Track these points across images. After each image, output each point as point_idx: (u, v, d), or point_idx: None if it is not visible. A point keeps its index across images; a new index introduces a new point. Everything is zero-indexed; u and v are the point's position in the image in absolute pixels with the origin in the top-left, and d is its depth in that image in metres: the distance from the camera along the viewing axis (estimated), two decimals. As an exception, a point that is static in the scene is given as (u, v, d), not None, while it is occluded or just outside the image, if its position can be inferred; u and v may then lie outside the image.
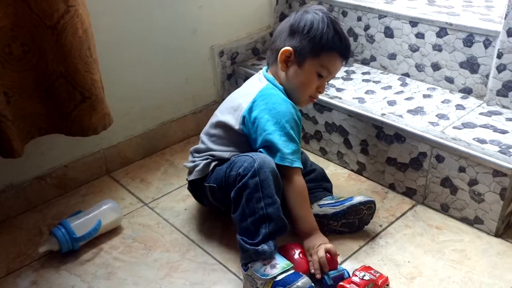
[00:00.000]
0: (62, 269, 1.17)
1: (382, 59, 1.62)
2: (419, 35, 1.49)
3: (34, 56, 1.13)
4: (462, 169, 1.22)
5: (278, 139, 1.12)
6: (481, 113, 1.35)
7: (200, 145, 1.26)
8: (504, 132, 1.26)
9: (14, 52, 1.10)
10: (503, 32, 1.30)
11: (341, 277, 1.08)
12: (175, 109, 1.63)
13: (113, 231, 1.27)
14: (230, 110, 1.22)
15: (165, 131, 1.62)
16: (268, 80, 1.21)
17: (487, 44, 1.36)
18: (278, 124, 1.13)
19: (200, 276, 1.14)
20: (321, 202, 1.24)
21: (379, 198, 1.34)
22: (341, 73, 1.63)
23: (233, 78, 1.75)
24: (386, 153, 1.37)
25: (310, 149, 1.59)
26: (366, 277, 1.03)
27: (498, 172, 1.16)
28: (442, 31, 1.44)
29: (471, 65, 1.41)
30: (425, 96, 1.46)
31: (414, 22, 1.50)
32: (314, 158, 1.55)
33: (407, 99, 1.45)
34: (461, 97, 1.44)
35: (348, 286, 1.02)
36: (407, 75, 1.58)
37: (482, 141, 1.23)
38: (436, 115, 1.35)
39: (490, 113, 1.35)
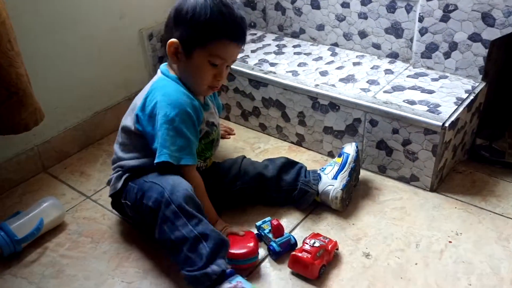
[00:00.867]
0: (6, 273, 1.12)
1: (311, 31, 1.65)
2: (345, 5, 1.53)
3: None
4: (395, 131, 1.28)
5: (166, 134, 1.05)
6: (408, 76, 1.41)
7: (113, 155, 1.20)
8: (431, 92, 1.33)
9: None
10: (422, -4, 1.36)
11: (288, 242, 1.12)
12: (108, 97, 1.59)
13: (57, 228, 1.23)
14: (130, 112, 1.15)
15: (99, 121, 1.58)
16: (162, 72, 1.15)
17: (408, 9, 1.41)
18: (166, 117, 1.05)
19: (152, 262, 1.13)
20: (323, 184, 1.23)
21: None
22: (272, 47, 1.65)
23: (165, 61, 1.72)
24: (323, 122, 1.41)
25: (250, 126, 1.60)
26: (317, 244, 1.07)
27: (428, 131, 1.22)
28: (366, -1, 1.49)
29: (395, 30, 1.46)
30: (355, 64, 1.51)
31: (338, -8, 1.53)
32: (255, 134, 1.57)
33: (338, 68, 1.49)
34: (388, 62, 1.50)
35: (300, 254, 1.05)
36: (336, 44, 1.62)
37: (412, 102, 1.29)
38: (367, 81, 1.40)
39: (417, 75, 1.41)
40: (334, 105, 1.36)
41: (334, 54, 1.58)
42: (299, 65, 1.52)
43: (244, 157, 1.30)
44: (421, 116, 1.23)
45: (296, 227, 1.21)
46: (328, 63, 1.52)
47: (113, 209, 1.24)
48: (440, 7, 1.34)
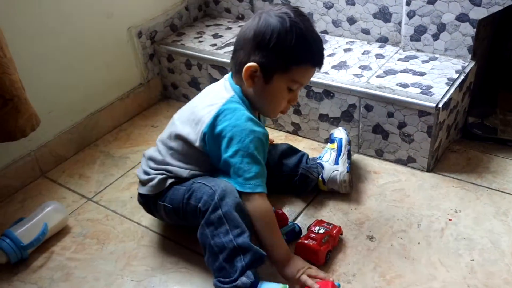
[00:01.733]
0: (15, 280, 1.13)
1: (299, 19, 1.66)
2: (332, -8, 1.54)
3: None
4: (390, 114, 1.29)
5: (240, 162, 1.02)
6: (399, 59, 1.43)
7: (156, 154, 1.13)
8: (422, 74, 1.35)
9: None
10: (409, -21, 1.37)
11: (293, 231, 1.13)
12: (101, 98, 1.58)
13: (62, 231, 1.24)
14: (191, 123, 1.09)
15: (94, 122, 1.57)
16: (234, 91, 1.08)
17: (395, -7, 1.43)
18: (241, 144, 1.02)
19: (160, 259, 1.14)
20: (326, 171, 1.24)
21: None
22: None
23: (155, 58, 1.72)
24: (318, 110, 1.42)
25: (244, 118, 1.61)
26: (321, 231, 1.09)
27: (423, 112, 1.24)
28: (352, -15, 1.49)
29: (383, 14, 1.48)
30: (345, 50, 1.52)
31: (325, -20, 1.54)
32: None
33: (330, 55, 1.50)
34: (379, 47, 1.51)
35: (306, 242, 1.07)
36: (325, 32, 1.63)
37: (405, 85, 1.30)
38: (359, 67, 1.41)
39: (407, 58, 1.43)
40: (328, 92, 1.37)
41: (324, 41, 1.58)
42: (290, 54, 1.53)
43: None
44: (414, 99, 1.25)
45: (299, 215, 1.22)
46: (319, 51, 1.53)
47: (141, 205, 1.19)
48: (426, -11, 1.35)
